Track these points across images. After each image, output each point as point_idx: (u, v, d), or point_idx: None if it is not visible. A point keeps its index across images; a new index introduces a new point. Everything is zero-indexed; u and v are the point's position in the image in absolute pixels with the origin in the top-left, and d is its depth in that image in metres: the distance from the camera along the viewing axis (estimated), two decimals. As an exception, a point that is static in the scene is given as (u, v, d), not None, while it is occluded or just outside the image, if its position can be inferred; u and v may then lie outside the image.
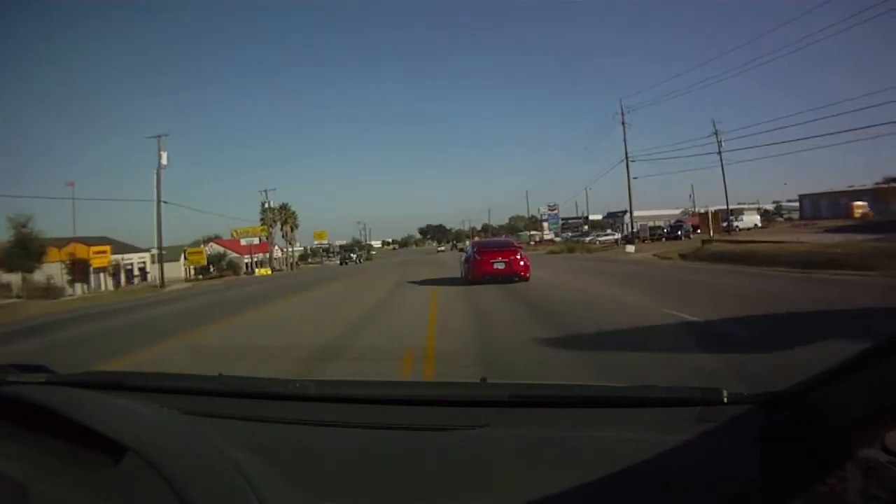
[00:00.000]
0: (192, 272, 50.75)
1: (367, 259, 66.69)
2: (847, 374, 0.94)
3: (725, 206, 44.21)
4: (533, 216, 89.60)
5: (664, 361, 4.55)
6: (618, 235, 49.50)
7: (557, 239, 69.03)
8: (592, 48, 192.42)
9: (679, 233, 42.69)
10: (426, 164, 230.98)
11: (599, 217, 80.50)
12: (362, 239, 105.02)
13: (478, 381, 1.55)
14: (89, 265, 37.96)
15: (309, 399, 1.46)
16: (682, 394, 1.31)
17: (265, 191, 57.30)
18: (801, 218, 52.90)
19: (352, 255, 57.96)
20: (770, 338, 5.34)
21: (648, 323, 6.76)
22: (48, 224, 79.52)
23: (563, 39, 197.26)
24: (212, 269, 50.79)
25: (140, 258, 54.09)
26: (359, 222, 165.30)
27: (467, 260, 14.96)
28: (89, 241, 41.30)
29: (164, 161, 34.50)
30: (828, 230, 28.29)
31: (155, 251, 56.61)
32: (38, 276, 34.48)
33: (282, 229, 60.97)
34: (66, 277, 37.00)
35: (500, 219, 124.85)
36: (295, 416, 1.35)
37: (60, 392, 1.39)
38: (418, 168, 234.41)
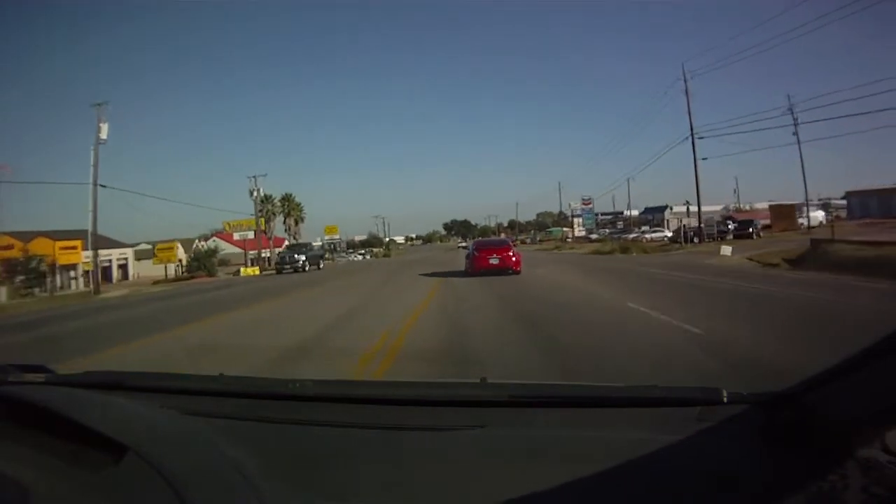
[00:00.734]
0: (182, 270, 44.69)
1: (328, 260, 50.65)
2: (847, 374, 0.93)
3: (805, 200, 41.54)
4: (562, 212, 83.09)
5: None
6: (668, 233, 45.16)
7: (593, 236, 62.20)
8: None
9: (751, 230, 36.55)
10: (452, 159, 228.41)
11: (636, 213, 73.62)
12: (381, 234, 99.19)
13: (478, 381, 1.53)
14: (41, 263, 31.86)
15: (308, 399, 1.46)
16: (681, 394, 1.30)
17: (254, 177, 46.02)
18: (849, 217, 49.00)
19: (297, 256, 34.55)
20: None
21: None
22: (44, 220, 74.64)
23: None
24: (180, 269, 44.54)
25: (121, 254, 48.85)
26: (377, 216, 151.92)
27: (468, 256, 18.09)
28: (55, 236, 35.68)
29: (103, 135, 27.99)
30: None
31: (144, 246, 51.43)
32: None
33: (284, 222, 55.09)
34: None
35: (528, 215, 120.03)
36: (295, 415, 1.34)
37: (60, 392, 1.40)
38: (444, 163, 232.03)
